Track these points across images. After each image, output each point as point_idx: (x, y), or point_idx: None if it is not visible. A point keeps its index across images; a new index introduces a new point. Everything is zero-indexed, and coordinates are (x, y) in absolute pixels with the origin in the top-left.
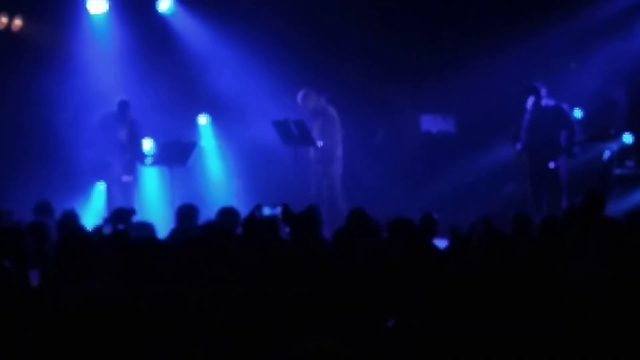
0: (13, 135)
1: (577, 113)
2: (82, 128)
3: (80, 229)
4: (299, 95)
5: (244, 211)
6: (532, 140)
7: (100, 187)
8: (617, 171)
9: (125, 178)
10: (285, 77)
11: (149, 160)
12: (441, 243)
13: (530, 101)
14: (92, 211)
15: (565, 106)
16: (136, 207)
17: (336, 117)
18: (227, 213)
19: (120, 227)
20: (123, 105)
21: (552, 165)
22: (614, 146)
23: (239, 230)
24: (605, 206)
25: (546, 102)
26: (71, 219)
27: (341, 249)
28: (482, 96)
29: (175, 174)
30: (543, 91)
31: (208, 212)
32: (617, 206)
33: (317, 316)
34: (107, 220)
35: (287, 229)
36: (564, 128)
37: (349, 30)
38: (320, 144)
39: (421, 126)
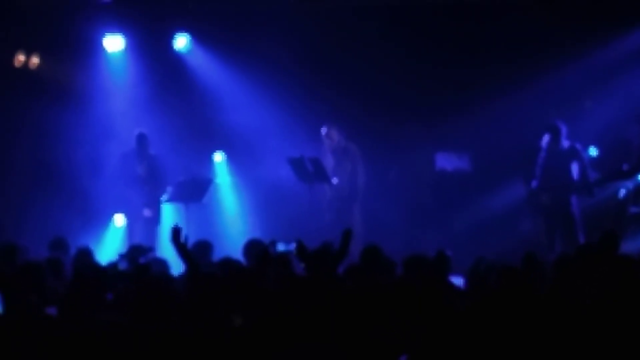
0: (31, 171)
1: (593, 151)
2: (99, 164)
3: (95, 265)
4: (323, 131)
5: None
6: (547, 179)
7: (118, 223)
8: (633, 209)
9: (147, 212)
10: (299, 115)
11: (166, 196)
12: (457, 280)
13: (546, 139)
14: (109, 246)
15: (579, 146)
16: (157, 242)
17: (358, 153)
18: (253, 246)
19: (141, 261)
20: (141, 139)
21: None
22: (630, 184)
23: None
24: (619, 244)
25: (564, 141)
26: (86, 256)
27: (353, 285)
28: (497, 134)
29: (190, 210)
30: (563, 130)
31: (223, 248)
32: (633, 245)
33: (331, 351)
34: (122, 257)
35: (301, 265)
36: (579, 167)
37: (363, 67)
38: (335, 180)
39: (436, 164)
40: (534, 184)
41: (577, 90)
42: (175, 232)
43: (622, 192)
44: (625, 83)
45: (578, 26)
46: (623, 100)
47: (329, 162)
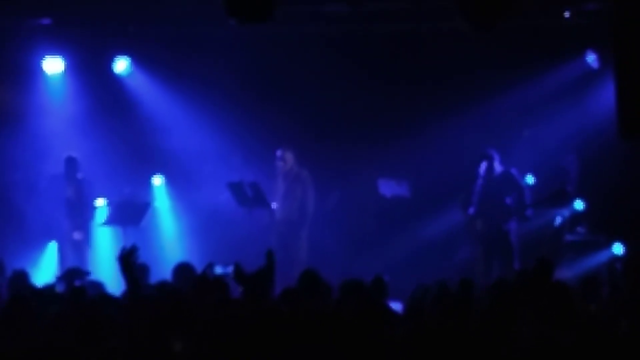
0: None
1: (530, 179)
2: (34, 186)
3: (31, 287)
4: (278, 153)
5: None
6: (483, 205)
7: (52, 246)
8: (569, 237)
9: (76, 235)
10: (240, 139)
11: (101, 219)
12: (395, 306)
13: (483, 167)
14: (45, 269)
15: (514, 171)
16: (88, 264)
17: (309, 179)
18: (183, 270)
19: (77, 284)
20: (69, 162)
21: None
22: (566, 212)
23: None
24: (554, 271)
25: (498, 167)
26: (21, 279)
27: (289, 308)
28: (437, 161)
29: (128, 233)
30: (496, 157)
31: (160, 271)
32: (568, 272)
33: None
34: (59, 279)
35: (239, 289)
36: (514, 192)
37: (306, 92)
38: (274, 205)
39: (379, 190)
40: (470, 210)
41: (516, 119)
42: (130, 252)
43: (559, 220)
44: (562, 112)
45: (517, 56)
46: (559, 129)
47: (279, 185)
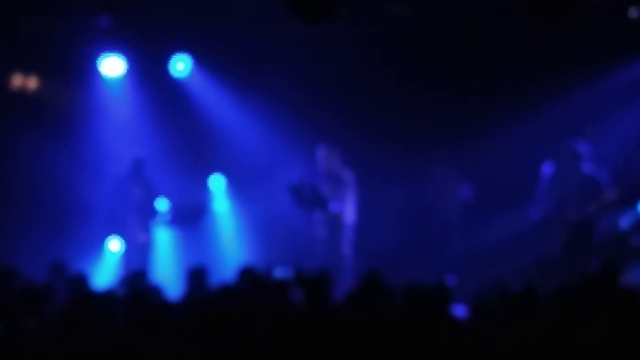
0: (28, 194)
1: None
2: (96, 188)
3: (90, 291)
4: (319, 154)
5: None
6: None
7: (113, 247)
8: (636, 241)
9: (142, 237)
10: (299, 140)
11: (162, 220)
12: (460, 309)
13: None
14: (105, 271)
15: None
16: (151, 267)
17: (350, 182)
18: (246, 273)
19: (139, 288)
20: (138, 164)
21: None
22: (634, 215)
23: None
24: (619, 276)
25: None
26: (81, 282)
27: (353, 311)
28: (500, 163)
29: (187, 235)
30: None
31: (220, 273)
32: (634, 277)
33: None
34: (121, 283)
35: (298, 292)
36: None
37: (365, 93)
38: (333, 206)
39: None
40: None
41: (581, 120)
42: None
43: (626, 223)
44: (630, 111)
45: (583, 57)
46: (628, 128)
47: (324, 187)
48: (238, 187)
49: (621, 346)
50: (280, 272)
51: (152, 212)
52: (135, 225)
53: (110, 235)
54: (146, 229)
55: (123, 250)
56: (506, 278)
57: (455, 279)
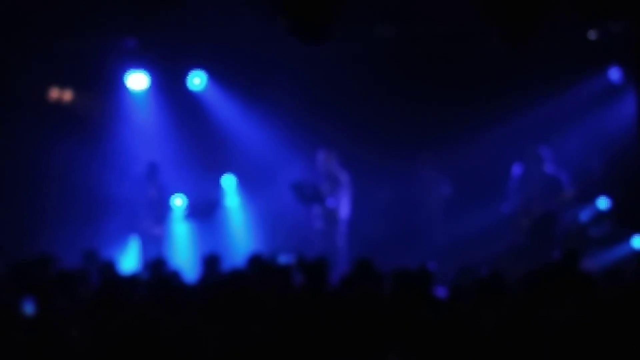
0: (63, 192)
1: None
2: (121, 187)
3: (119, 275)
4: (319, 156)
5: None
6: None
7: (134, 239)
8: (593, 232)
9: (156, 230)
10: (300, 144)
11: (181, 214)
12: (441, 291)
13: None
14: (129, 259)
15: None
16: (165, 256)
17: (346, 182)
18: (255, 259)
19: (164, 273)
20: (151, 166)
21: None
22: (591, 209)
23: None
24: (579, 262)
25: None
26: (110, 267)
27: (346, 292)
28: (473, 167)
29: (202, 226)
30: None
31: (231, 259)
32: (593, 263)
33: (326, 350)
34: (145, 268)
35: (299, 275)
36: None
37: (357, 103)
38: (329, 202)
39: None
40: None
41: (545, 127)
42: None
43: (585, 216)
44: (587, 121)
45: (547, 73)
46: (585, 136)
47: (322, 185)
48: (247, 185)
49: (581, 322)
50: (283, 259)
51: (164, 208)
52: (149, 219)
53: (128, 228)
54: (160, 223)
55: (140, 242)
56: (479, 264)
57: (436, 265)
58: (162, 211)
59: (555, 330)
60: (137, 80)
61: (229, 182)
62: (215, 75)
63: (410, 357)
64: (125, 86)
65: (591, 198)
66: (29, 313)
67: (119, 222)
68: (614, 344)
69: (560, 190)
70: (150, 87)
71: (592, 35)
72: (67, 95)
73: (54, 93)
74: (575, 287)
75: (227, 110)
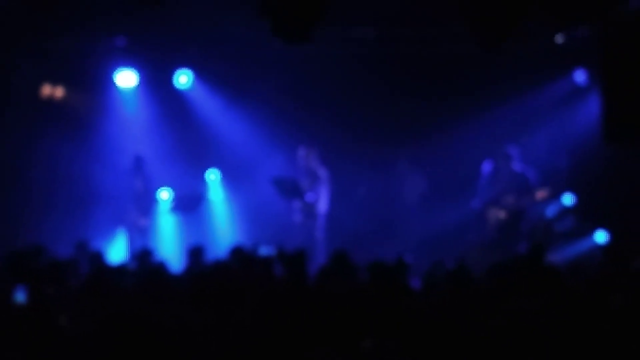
0: (54, 185)
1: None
2: (109, 180)
3: (107, 264)
4: (300, 153)
5: None
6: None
7: (122, 230)
8: (558, 227)
9: (142, 222)
10: (281, 140)
11: (167, 207)
12: (415, 282)
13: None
14: (116, 250)
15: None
16: (151, 246)
17: (325, 178)
18: (236, 251)
19: (151, 263)
20: (137, 161)
21: None
22: (557, 205)
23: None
24: (545, 255)
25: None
26: (100, 257)
27: (324, 283)
28: (448, 160)
29: (187, 219)
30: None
31: (214, 251)
32: (557, 256)
33: (304, 337)
34: (133, 258)
35: (279, 267)
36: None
37: (336, 102)
38: (309, 196)
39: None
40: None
41: (514, 126)
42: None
43: (550, 211)
44: (554, 121)
45: (515, 75)
46: (552, 135)
47: (302, 180)
48: (230, 179)
49: (546, 313)
50: (264, 251)
51: (150, 201)
52: (135, 211)
53: (115, 220)
54: (145, 215)
55: (126, 233)
56: (450, 257)
57: (411, 257)
58: (148, 203)
59: (521, 320)
60: (126, 78)
61: (213, 176)
62: (201, 73)
63: (385, 344)
64: (115, 83)
65: (557, 195)
66: (21, 301)
67: (107, 214)
68: (577, 335)
69: (528, 187)
70: (138, 84)
71: (559, 39)
72: (59, 92)
73: (46, 90)
74: (541, 280)
75: (212, 108)
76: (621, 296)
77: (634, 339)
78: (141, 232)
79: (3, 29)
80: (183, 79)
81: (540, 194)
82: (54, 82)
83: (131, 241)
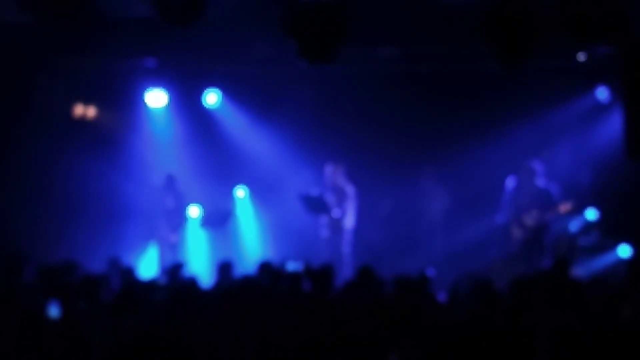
0: (87, 202)
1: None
2: (140, 197)
3: (138, 280)
4: (327, 170)
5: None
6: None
7: (152, 246)
8: (582, 241)
9: (173, 238)
10: (308, 157)
11: (197, 223)
12: (442, 296)
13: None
14: (147, 265)
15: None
16: (182, 261)
17: (351, 195)
18: (264, 266)
19: (181, 278)
20: (169, 178)
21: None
22: (581, 220)
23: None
24: (569, 270)
25: (539, 180)
26: (130, 272)
27: (351, 297)
28: (470, 180)
29: (217, 234)
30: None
31: (243, 266)
32: (582, 271)
33: (331, 352)
34: (163, 273)
35: (307, 281)
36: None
37: (361, 120)
38: (335, 212)
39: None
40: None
41: (539, 143)
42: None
43: (574, 226)
44: (577, 137)
45: (539, 92)
46: (575, 151)
47: (329, 196)
48: (258, 196)
49: (570, 325)
50: (292, 266)
51: (181, 217)
52: (166, 228)
53: (146, 236)
54: (176, 231)
55: (158, 249)
56: (475, 271)
57: (434, 271)
58: (178, 220)
59: (545, 332)
60: (156, 98)
61: (242, 193)
62: (229, 93)
63: (411, 358)
64: (145, 103)
65: (581, 210)
66: (55, 316)
67: (137, 230)
68: (600, 347)
69: (551, 202)
70: (168, 103)
71: (581, 57)
72: (91, 112)
73: (79, 110)
74: (565, 293)
75: (240, 126)
76: (633, 306)
77: None
78: (172, 248)
79: (35, 49)
80: (212, 98)
81: (564, 207)
82: (86, 101)
83: (162, 256)
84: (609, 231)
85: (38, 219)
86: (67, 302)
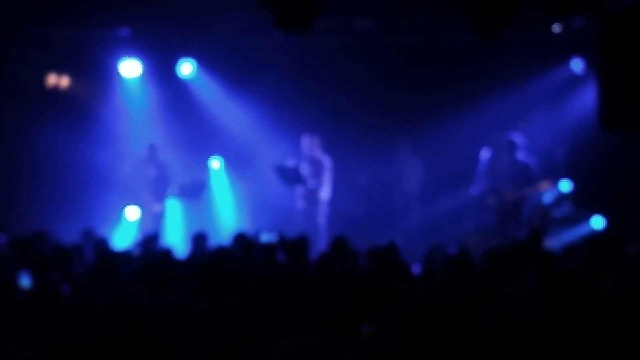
0: (62, 171)
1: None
2: (115, 167)
3: (112, 251)
4: (303, 141)
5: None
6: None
7: (131, 215)
8: (556, 213)
9: (157, 208)
10: (284, 128)
11: (172, 193)
12: (416, 267)
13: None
14: (122, 235)
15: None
16: (163, 232)
17: (327, 166)
18: (239, 238)
19: (156, 249)
20: (152, 149)
21: None
22: (555, 192)
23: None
24: (543, 241)
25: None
26: (105, 243)
27: (325, 269)
28: (447, 148)
29: (191, 205)
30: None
31: (218, 237)
32: (555, 242)
33: (305, 322)
34: (137, 245)
35: (281, 253)
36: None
37: (337, 92)
38: (310, 183)
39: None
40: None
41: (513, 114)
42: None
43: (548, 198)
44: (551, 109)
45: (514, 64)
46: (549, 123)
47: (305, 167)
48: (233, 167)
49: (544, 295)
50: (266, 237)
51: (164, 187)
52: (150, 198)
53: (127, 205)
54: (159, 200)
55: (140, 218)
56: (450, 242)
57: (403, 240)
58: (162, 190)
59: (518, 303)
60: (130, 68)
61: (217, 164)
62: (204, 63)
63: (384, 327)
64: (119, 73)
65: (555, 181)
66: (26, 286)
67: (112, 201)
68: (570, 318)
69: (531, 177)
70: (142, 74)
71: (556, 29)
72: (64, 81)
73: (52, 79)
74: (539, 263)
75: (215, 96)
76: (612, 279)
77: (625, 321)
78: (155, 218)
79: (9, 18)
80: (186, 68)
81: (544, 185)
82: (60, 71)
83: (145, 226)
84: (582, 203)
85: (8, 189)
86: (39, 273)
